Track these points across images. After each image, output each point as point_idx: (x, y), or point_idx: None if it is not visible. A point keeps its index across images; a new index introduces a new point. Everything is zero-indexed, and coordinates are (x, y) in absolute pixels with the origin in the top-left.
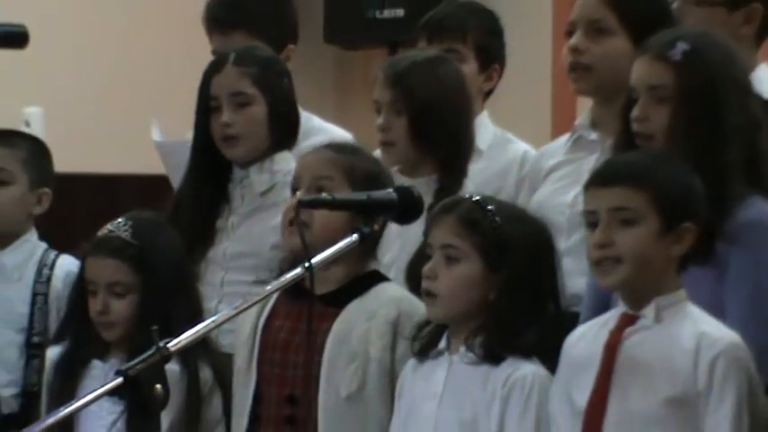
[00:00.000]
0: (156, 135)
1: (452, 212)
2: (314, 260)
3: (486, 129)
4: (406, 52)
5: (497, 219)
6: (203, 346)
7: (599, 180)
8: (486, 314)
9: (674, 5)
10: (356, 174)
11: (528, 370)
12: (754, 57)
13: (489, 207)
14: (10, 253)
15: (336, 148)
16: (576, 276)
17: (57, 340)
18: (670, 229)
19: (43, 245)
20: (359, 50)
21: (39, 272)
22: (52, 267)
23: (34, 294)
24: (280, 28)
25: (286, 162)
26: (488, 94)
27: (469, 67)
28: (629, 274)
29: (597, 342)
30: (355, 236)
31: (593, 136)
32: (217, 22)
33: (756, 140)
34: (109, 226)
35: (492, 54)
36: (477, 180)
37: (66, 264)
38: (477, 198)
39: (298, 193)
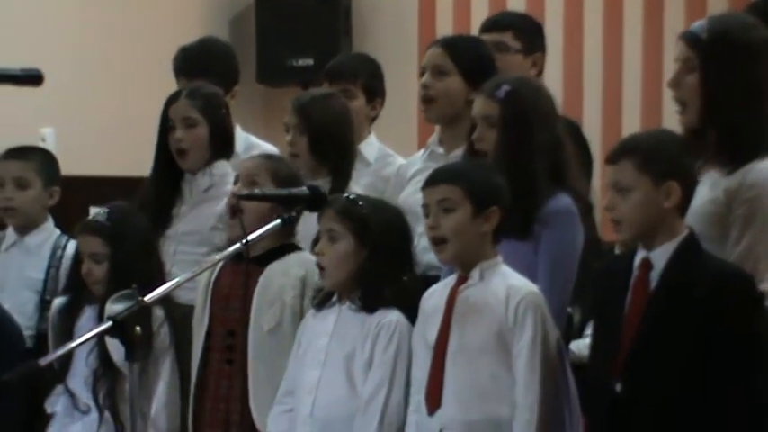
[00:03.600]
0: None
1: (332, 206)
2: (249, 237)
3: (372, 146)
4: (309, 90)
5: (364, 210)
6: None
7: (428, 182)
8: (360, 277)
9: None
10: (279, 175)
11: (393, 317)
12: None
13: (359, 202)
14: (32, 236)
15: (265, 156)
16: (430, 251)
17: (63, 293)
18: (479, 213)
19: (57, 231)
20: (280, 89)
21: (53, 251)
22: (64, 249)
23: (49, 267)
24: (228, 75)
25: (222, 168)
26: (374, 119)
27: (359, 102)
28: (455, 249)
29: (442, 297)
30: (278, 220)
31: (441, 150)
32: (182, 71)
33: (559, 153)
34: (93, 212)
35: (375, 91)
36: (367, 184)
37: (75, 246)
38: (350, 196)
39: (237, 185)
